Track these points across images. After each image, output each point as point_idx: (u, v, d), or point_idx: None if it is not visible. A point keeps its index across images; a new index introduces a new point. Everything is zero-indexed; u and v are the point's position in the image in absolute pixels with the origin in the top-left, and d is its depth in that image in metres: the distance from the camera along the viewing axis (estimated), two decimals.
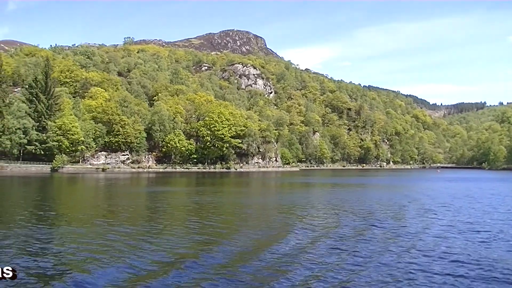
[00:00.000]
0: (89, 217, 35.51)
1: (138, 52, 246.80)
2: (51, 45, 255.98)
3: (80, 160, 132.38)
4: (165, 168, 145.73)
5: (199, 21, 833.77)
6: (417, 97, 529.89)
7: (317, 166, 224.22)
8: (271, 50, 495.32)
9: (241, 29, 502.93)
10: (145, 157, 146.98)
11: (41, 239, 24.32)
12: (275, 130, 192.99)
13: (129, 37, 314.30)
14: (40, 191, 65.17)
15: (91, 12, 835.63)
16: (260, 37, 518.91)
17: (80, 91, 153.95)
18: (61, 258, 20.26)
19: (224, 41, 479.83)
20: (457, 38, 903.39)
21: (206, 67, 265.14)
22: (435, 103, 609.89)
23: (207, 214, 38.14)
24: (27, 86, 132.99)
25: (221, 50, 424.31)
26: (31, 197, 54.42)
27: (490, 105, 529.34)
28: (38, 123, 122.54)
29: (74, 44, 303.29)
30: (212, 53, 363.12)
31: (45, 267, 18.48)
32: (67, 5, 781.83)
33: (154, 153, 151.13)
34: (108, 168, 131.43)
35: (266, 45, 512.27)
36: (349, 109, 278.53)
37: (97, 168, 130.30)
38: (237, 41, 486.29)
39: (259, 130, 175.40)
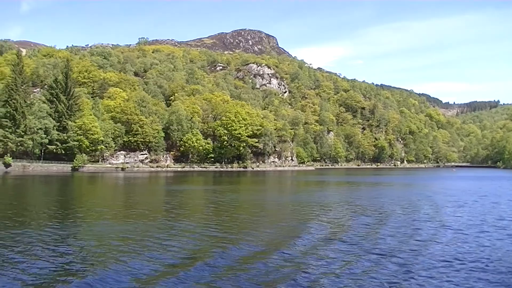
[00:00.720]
0: (111, 214, 36.25)
1: (153, 52, 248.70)
2: (67, 46, 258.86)
3: (100, 159, 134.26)
4: (183, 167, 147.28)
5: (211, 21, 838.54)
6: (429, 95, 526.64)
7: (331, 165, 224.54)
8: (283, 49, 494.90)
9: (253, 29, 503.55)
10: (163, 156, 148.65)
11: (64, 236, 25.08)
12: (291, 129, 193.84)
13: (144, 38, 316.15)
14: (62, 190, 66.45)
15: (104, 12, 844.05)
16: (272, 36, 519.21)
17: (98, 92, 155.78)
18: (82, 254, 20.63)
19: (236, 40, 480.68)
20: (469, 36, 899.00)
21: (221, 67, 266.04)
22: (448, 102, 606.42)
23: (225, 211, 38.80)
24: (47, 87, 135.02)
25: (233, 49, 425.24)
26: (55, 195, 55.71)
27: (504, 104, 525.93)
28: (58, 123, 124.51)
29: (88, 45, 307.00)
30: (225, 52, 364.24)
31: (67, 263, 18.89)
32: (79, 5, 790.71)
33: (172, 153, 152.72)
34: (127, 167, 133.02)
35: (278, 44, 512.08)
36: (363, 108, 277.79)
37: (116, 167, 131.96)
38: (249, 41, 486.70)
39: (275, 129, 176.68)
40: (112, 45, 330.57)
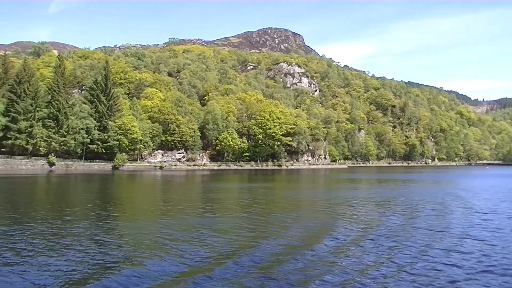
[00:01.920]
0: (151, 210, 37.91)
1: (183, 52, 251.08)
2: (100, 47, 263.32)
3: (138, 158, 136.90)
4: (220, 165, 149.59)
5: (236, 20, 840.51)
6: (458, 92, 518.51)
7: (363, 163, 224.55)
8: (310, 48, 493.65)
9: (279, 27, 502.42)
10: (199, 155, 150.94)
11: (108, 230, 26.48)
12: (323, 128, 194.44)
13: (174, 38, 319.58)
14: (106, 187, 68.77)
15: (130, 12, 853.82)
16: (299, 34, 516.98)
17: (134, 92, 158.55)
18: (122, 249, 21.39)
19: (263, 39, 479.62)
20: (497, 32, 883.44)
21: (251, 66, 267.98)
22: (477, 99, 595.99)
23: (261, 207, 39.80)
24: (88, 88, 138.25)
25: (260, 48, 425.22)
26: (99, 192, 58.13)
27: None
28: (99, 123, 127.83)
29: (116, 45, 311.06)
30: (251, 51, 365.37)
31: (107, 257, 19.52)
32: (106, 5, 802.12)
33: (208, 151, 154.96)
34: (165, 166, 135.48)
35: (304, 43, 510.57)
36: (394, 106, 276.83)
37: (155, 166, 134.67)
38: (276, 39, 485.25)
39: (308, 128, 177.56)
40: (141, 45, 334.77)
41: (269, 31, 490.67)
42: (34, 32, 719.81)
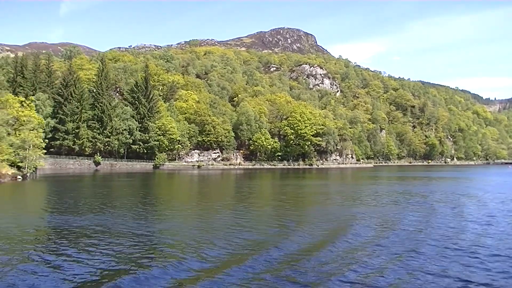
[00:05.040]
0: (194, 204, 40.86)
1: (205, 54, 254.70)
2: (115, 47, 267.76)
3: (176, 157, 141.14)
4: (254, 165, 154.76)
5: (249, 20, 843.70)
6: (469, 91, 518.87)
7: (384, 163, 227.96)
8: (322, 47, 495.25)
9: (291, 27, 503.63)
10: (233, 154, 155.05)
11: (151, 223, 28.16)
12: (350, 128, 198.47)
13: (194, 39, 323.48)
14: (152, 184, 73.65)
15: (140, 13, 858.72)
16: (311, 34, 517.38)
17: (167, 94, 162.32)
18: (159, 242, 22.45)
19: (275, 39, 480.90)
20: (506, 31, 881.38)
21: (274, 68, 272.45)
22: (489, 98, 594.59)
23: (292, 203, 42.53)
24: (128, 90, 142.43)
25: (273, 48, 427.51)
26: (147, 189, 63.06)
27: None
28: (140, 125, 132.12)
29: (131, 46, 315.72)
30: (264, 51, 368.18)
31: (145, 249, 20.57)
32: (116, 6, 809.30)
33: (241, 151, 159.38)
34: (203, 165, 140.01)
35: (316, 42, 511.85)
36: (413, 106, 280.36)
37: (193, 165, 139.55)
38: (288, 39, 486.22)
39: (336, 128, 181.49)
40: (155, 45, 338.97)
41: (281, 31, 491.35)
42: (46, 33, 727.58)
